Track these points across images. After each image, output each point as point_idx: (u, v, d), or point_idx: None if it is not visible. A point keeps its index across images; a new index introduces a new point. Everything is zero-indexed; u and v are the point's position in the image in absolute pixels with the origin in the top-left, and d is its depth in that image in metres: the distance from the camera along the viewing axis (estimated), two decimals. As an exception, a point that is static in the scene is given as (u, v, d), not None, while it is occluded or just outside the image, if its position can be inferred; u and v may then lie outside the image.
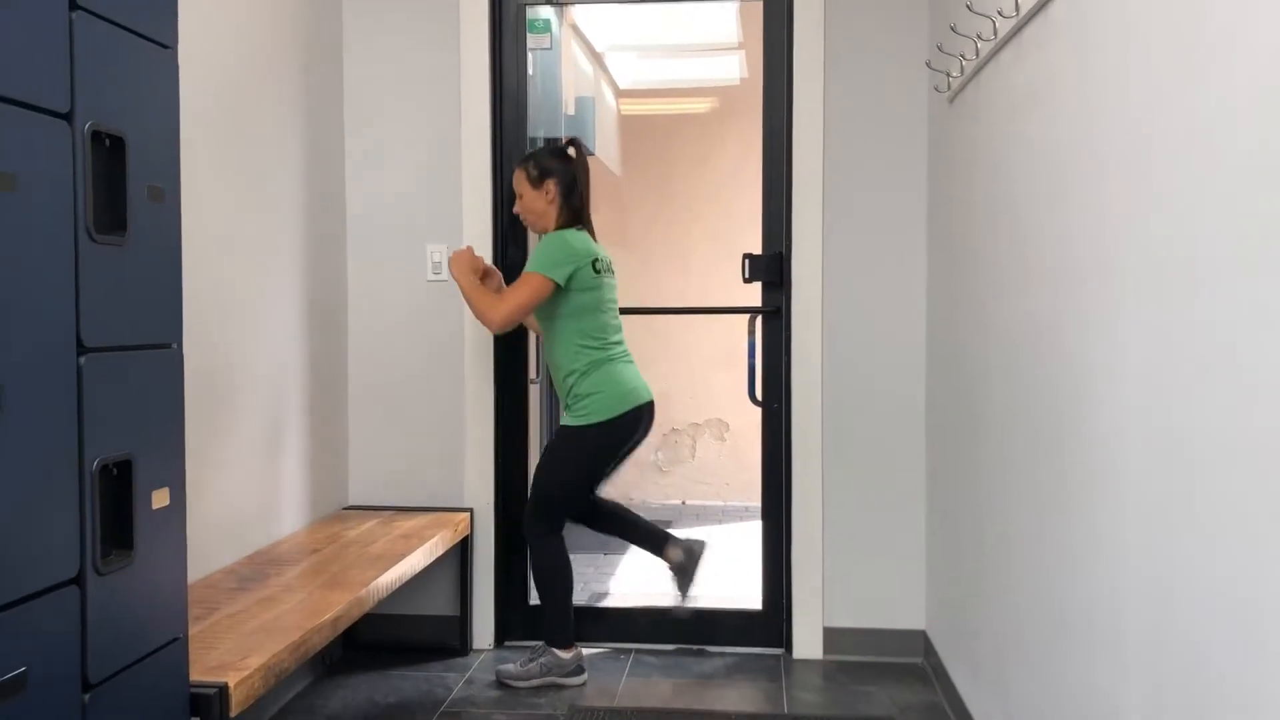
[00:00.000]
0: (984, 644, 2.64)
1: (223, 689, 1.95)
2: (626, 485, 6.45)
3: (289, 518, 3.19)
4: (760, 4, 3.55)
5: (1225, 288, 1.33)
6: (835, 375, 3.48)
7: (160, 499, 1.80)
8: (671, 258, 6.30)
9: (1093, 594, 1.81)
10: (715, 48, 5.88)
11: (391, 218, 3.59)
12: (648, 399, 3.24)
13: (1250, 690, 1.26)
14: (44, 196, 1.52)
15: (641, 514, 3.45)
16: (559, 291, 3.11)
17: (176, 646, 1.87)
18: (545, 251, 3.12)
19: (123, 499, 1.71)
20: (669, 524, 5.84)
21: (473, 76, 3.54)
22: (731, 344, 5.59)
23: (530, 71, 3.68)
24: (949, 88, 3.01)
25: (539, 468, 3.27)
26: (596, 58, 5.75)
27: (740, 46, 5.78)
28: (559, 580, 3.23)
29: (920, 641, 3.47)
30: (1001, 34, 2.37)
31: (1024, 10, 2.17)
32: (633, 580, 4.70)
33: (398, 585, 2.85)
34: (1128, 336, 1.66)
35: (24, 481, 1.48)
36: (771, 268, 3.53)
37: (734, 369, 5.23)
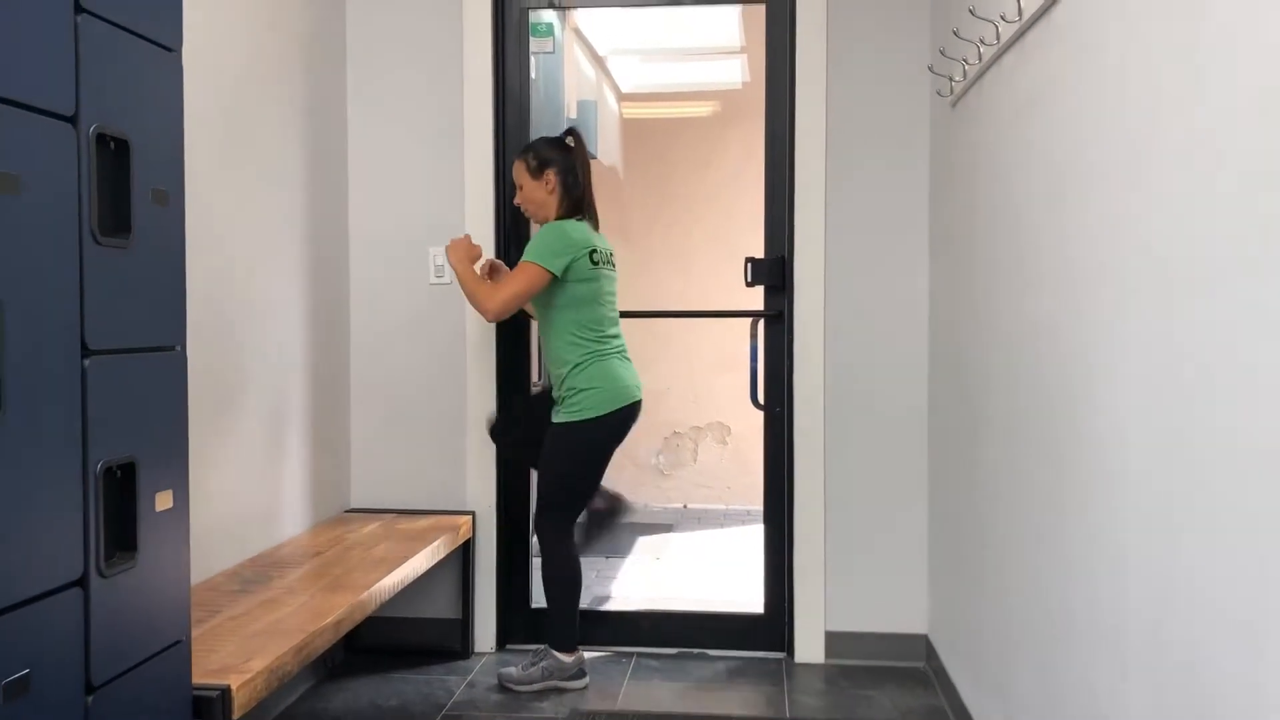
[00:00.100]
0: (986, 648, 2.64)
1: (225, 692, 1.95)
2: (628, 488, 6.45)
3: (291, 520, 3.19)
4: (763, 8, 3.55)
5: (1226, 290, 1.33)
6: (837, 379, 3.48)
7: (164, 501, 1.80)
8: (673, 261, 6.31)
9: (1094, 598, 1.81)
10: (717, 51, 5.89)
11: (394, 221, 3.60)
12: (639, 397, 3.24)
13: (1251, 693, 1.26)
14: (48, 199, 1.53)
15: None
16: (555, 282, 3.10)
17: (179, 649, 1.87)
18: (542, 241, 3.11)
19: (126, 501, 1.72)
20: (670, 527, 5.88)
21: (475, 80, 3.54)
22: (733, 347, 5.59)
23: (533, 75, 3.69)
24: (951, 92, 3.01)
25: (540, 470, 3.27)
26: (599, 61, 5.75)
27: (742, 50, 5.79)
28: (567, 584, 3.23)
29: (922, 646, 3.47)
30: (1004, 38, 2.37)
31: (1027, 15, 2.18)
32: (635, 584, 4.70)
33: (400, 588, 2.85)
34: (1129, 339, 1.66)
35: (28, 483, 1.48)
36: (774, 271, 3.53)
37: (736, 372, 5.22)
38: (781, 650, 3.57)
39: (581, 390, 3.13)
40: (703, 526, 5.91)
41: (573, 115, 5.22)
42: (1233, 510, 1.31)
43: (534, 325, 3.49)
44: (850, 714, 3.07)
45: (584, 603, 3.33)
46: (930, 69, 3.25)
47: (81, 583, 1.60)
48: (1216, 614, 1.36)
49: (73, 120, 1.58)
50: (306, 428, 3.29)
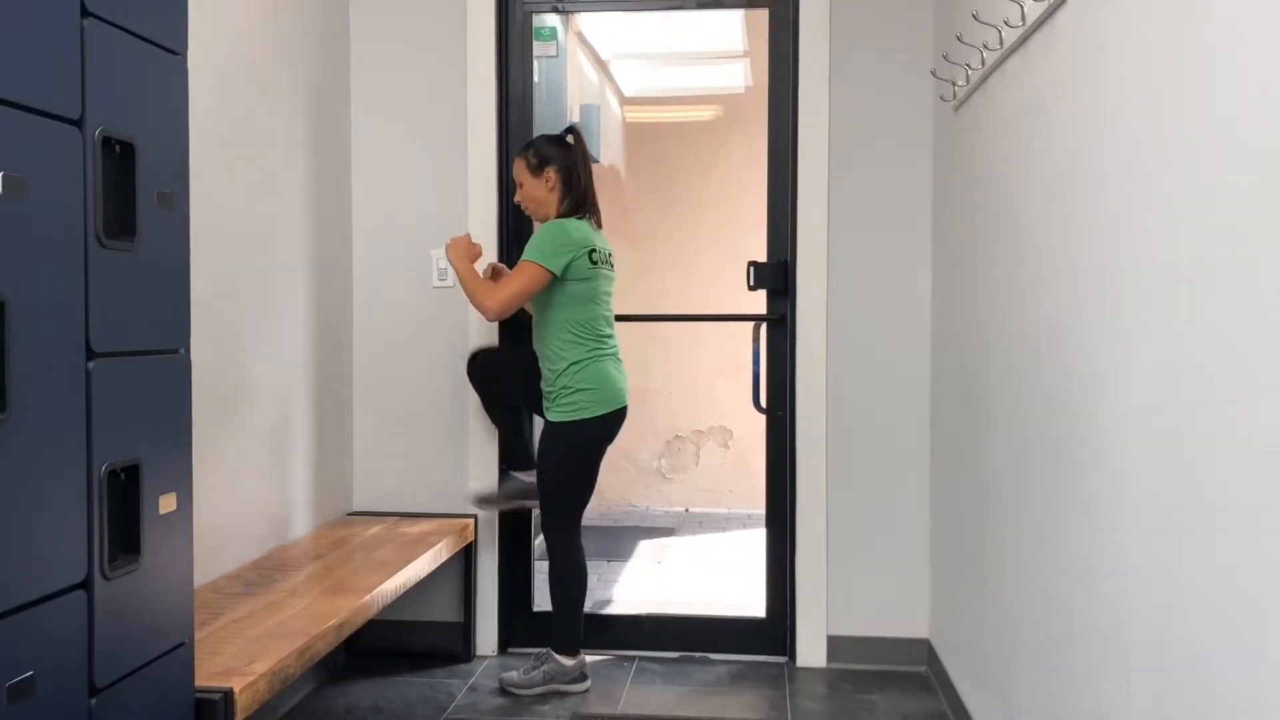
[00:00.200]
0: (987, 652, 2.64)
1: (228, 694, 1.95)
2: (630, 491, 6.46)
3: (294, 523, 3.19)
4: (765, 12, 3.56)
5: (1227, 292, 1.33)
6: (840, 382, 3.48)
7: (167, 504, 1.81)
8: (676, 264, 6.31)
9: (1095, 601, 1.81)
10: (720, 56, 5.90)
11: (397, 224, 3.60)
12: (627, 403, 3.25)
13: (1252, 695, 1.26)
14: (54, 201, 1.53)
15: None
16: (554, 280, 3.10)
17: (182, 651, 1.87)
18: (542, 240, 3.11)
19: (130, 504, 1.72)
20: (671, 531, 5.88)
21: (479, 83, 3.55)
22: (735, 351, 5.59)
23: (536, 79, 3.69)
24: (954, 96, 3.01)
25: (539, 472, 3.27)
26: (601, 65, 5.76)
27: (745, 55, 5.80)
28: (573, 587, 3.23)
29: (924, 650, 3.47)
30: (1008, 43, 2.37)
31: (1030, 20, 2.18)
32: (636, 587, 4.70)
33: (402, 591, 2.85)
34: (1130, 342, 1.66)
35: (33, 485, 1.49)
36: (776, 275, 3.53)
37: (738, 376, 5.22)
38: (783, 654, 3.57)
39: (578, 390, 3.13)
40: (704, 530, 5.91)
41: (575, 119, 5.22)
42: (1234, 512, 1.31)
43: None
44: (852, 718, 3.07)
45: (586, 606, 3.32)
46: (933, 73, 3.26)
47: (85, 585, 1.60)
48: (1218, 616, 1.36)
49: (78, 123, 1.59)
50: (309, 430, 3.29)
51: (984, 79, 2.67)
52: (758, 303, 3.61)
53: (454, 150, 3.58)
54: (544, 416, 3.23)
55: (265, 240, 3.00)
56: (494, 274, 3.28)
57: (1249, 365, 1.28)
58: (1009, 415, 2.44)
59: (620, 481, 6.43)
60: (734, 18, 5.23)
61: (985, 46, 2.55)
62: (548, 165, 3.18)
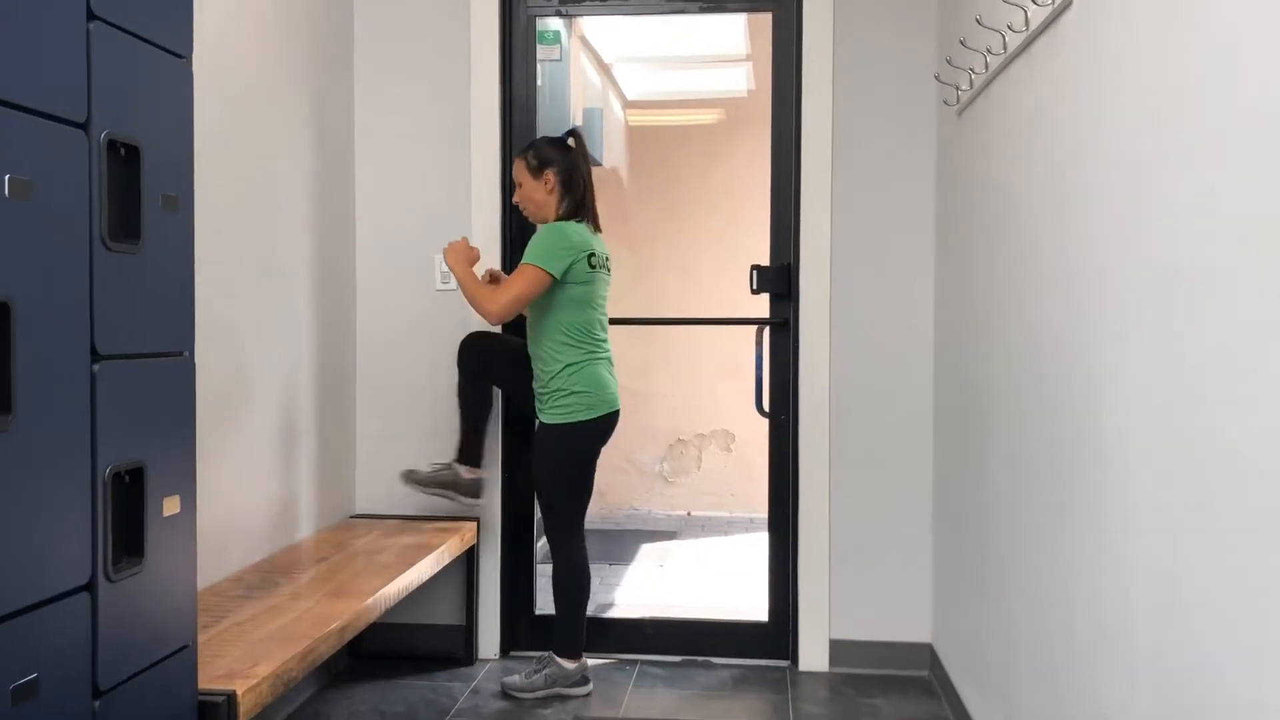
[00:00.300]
0: (989, 656, 2.64)
1: (231, 697, 1.95)
2: (631, 495, 6.45)
3: (296, 526, 3.19)
4: (769, 16, 3.56)
5: (1230, 295, 1.33)
6: (843, 386, 3.48)
7: (171, 506, 1.81)
8: (678, 268, 6.31)
9: (1100, 605, 1.81)
10: (722, 59, 5.90)
11: (400, 227, 3.60)
12: (619, 407, 3.25)
13: (1254, 699, 1.26)
14: (60, 204, 1.53)
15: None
16: (553, 283, 3.10)
17: (186, 654, 1.87)
18: (542, 243, 3.11)
19: (134, 506, 1.72)
20: (673, 535, 5.88)
21: (483, 87, 3.55)
22: (738, 355, 5.60)
23: (539, 82, 3.70)
24: (958, 101, 3.02)
25: (536, 476, 3.27)
26: (605, 68, 5.77)
27: (748, 58, 5.80)
28: (575, 590, 3.23)
29: (926, 654, 3.46)
30: (1011, 48, 2.37)
31: (1034, 25, 2.18)
32: (638, 591, 4.70)
33: (404, 594, 2.85)
34: (1132, 345, 1.66)
35: (37, 488, 1.49)
36: (779, 279, 3.54)
37: (740, 380, 5.23)
38: (785, 658, 3.57)
39: (573, 393, 3.13)
40: (707, 534, 5.91)
41: (579, 122, 5.23)
42: (1235, 514, 1.31)
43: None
44: (854, 722, 3.07)
45: (588, 610, 3.32)
46: (937, 78, 3.26)
47: (89, 587, 1.60)
48: (1219, 618, 1.36)
49: (84, 126, 1.59)
50: (312, 433, 3.29)
51: (987, 84, 2.67)
52: (760, 306, 3.61)
53: (457, 153, 3.58)
54: (536, 417, 3.23)
55: (269, 243, 3.01)
56: (491, 279, 3.27)
57: (1249, 367, 1.28)
58: (1011, 418, 2.44)
59: (622, 484, 6.42)
60: (737, 21, 5.24)
61: (989, 51, 2.55)
62: (548, 167, 3.18)
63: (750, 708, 3.21)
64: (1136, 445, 1.65)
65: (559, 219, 3.18)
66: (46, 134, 1.51)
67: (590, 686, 3.26)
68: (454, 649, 3.55)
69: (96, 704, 1.62)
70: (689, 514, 6.35)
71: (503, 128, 3.57)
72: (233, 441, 2.81)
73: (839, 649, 3.49)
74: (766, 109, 3.59)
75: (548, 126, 3.81)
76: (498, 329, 3.44)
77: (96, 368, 1.61)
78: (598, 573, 4.86)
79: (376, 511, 3.62)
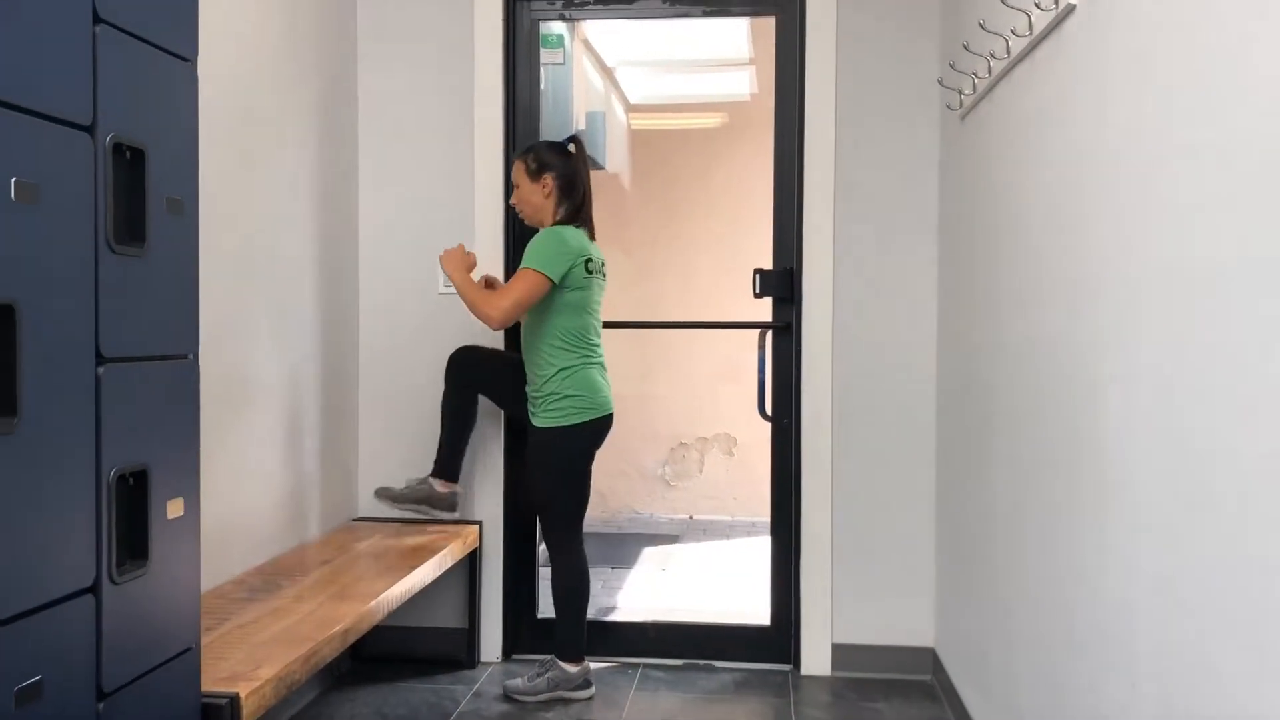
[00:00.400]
0: (992, 661, 2.64)
1: (234, 699, 1.96)
2: (634, 498, 6.45)
3: (299, 529, 3.20)
4: (772, 20, 3.57)
5: (1234, 299, 1.33)
6: (845, 390, 3.48)
7: (175, 509, 1.81)
8: (681, 272, 6.31)
9: (1104, 609, 1.81)
10: (725, 63, 5.91)
11: (404, 231, 3.61)
12: (613, 410, 3.25)
13: (1258, 703, 1.26)
14: (65, 207, 1.54)
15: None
16: (551, 288, 3.11)
17: (189, 656, 1.87)
18: (541, 247, 3.11)
19: (138, 509, 1.72)
20: (676, 538, 5.88)
21: (486, 90, 3.56)
22: (740, 358, 5.60)
23: (542, 86, 3.70)
24: (961, 105, 3.02)
25: (532, 483, 3.27)
26: (607, 72, 5.77)
27: (751, 62, 5.81)
28: (576, 594, 3.23)
29: (929, 658, 3.46)
30: (1015, 52, 2.38)
31: (1038, 29, 2.18)
32: (641, 595, 4.70)
33: (407, 597, 2.85)
34: (1136, 349, 1.67)
35: (42, 490, 1.49)
36: (782, 283, 3.54)
37: (742, 383, 5.23)
38: (788, 662, 3.57)
39: (566, 396, 3.13)
40: (709, 538, 5.90)
41: (581, 126, 5.23)
42: (1238, 516, 1.31)
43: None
44: (857, 727, 3.06)
45: (590, 613, 3.32)
46: (940, 82, 3.26)
47: (94, 590, 1.61)
48: (1221, 622, 1.36)
49: (90, 130, 1.59)
50: (315, 436, 3.29)
51: (991, 88, 2.67)
52: (763, 310, 3.61)
53: (460, 156, 3.58)
54: (528, 422, 3.23)
55: (272, 246, 3.01)
56: (486, 285, 3.27)
57: (1252, 370, 1.28)
58: (1013, 421, 2.44)
59: (624, 488, 6.42)
60: (740, 25, 5.24)
61: (992, 55, 2.55)
62: (546, 171, 3.19)
63: (752, 711, 3.21)
64: (1138, 448, 1.65)
65: (555, 224, 3.18)
66: (52, 137, 1.51)
67: (592, 690, 3.26)
68: (456, 652, 3.55)
69: (100, 706, 1.62)
70: (691, 518, 6.34)
71: (506, 131, 3.57)
72: (236, 444, 2.81)
73: (841, 653, 3.49)
74: (769, 113, 3.59)
75: (551, 130, 3.81)
76: (499, 334, 3.45)
77: (101, 370, 1.62)
78: (599, 576, 4.86)
79: (379, 514, 3.62)
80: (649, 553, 5.51)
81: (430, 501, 3.33)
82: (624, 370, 6.24)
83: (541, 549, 3.66)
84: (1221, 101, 1.39)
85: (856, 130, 3.45)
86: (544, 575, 3.62)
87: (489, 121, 3.56)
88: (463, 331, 3.54)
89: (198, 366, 1.89)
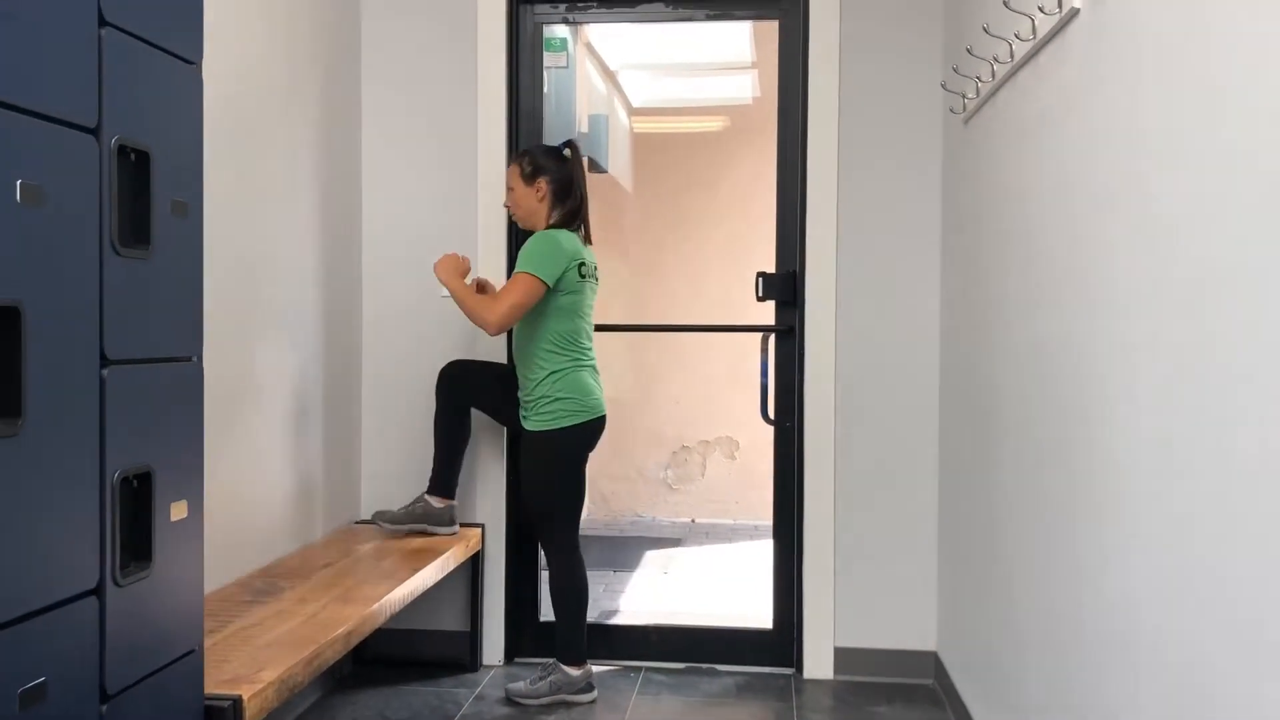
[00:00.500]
0: (995, 664, 2.64)
1: (237, 702, 1.96)
2: (636, 502, 6.45)
3: (301, 531, 3.20)
4: (775, 24, 3.57)
5: (1239, 303, 1.33)
6: (849, 393, 3.48)
7: (179, 511, 1.81)
8: (683, 275, 6.31)
9: (1105, 613, 1.80)
10: (728, 67, 5.91)
11: (407, 234, 3.61)
12: (605, 413, 3.25)
13: (1263, 705, 1.26)
14: (70, 209, 1.54)
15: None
16: (545, 291, 3.11)
17: (192, 658, 1.87)
18: (535, 251, 3.11)
19: (141, 511, 1.72)
20: (678, 542, 5.88)
21: (490, 94, 3.56)
22: (743, 361, 5.60)
23: (545, 89, 3.71)
24: (964, 109, 3.02)
25: (525, 487, 3.26)
26: (610, 76, 5.78)
27: (753, 66, 5.81)
28: (575, 597, 3.23)
29: (931, 662, 3.46)
30: (1018, 56, 2.38)
31: (1041, 33, 2.18)
32: (643, 598, 4.70)
33: (410, 600, 2.85)
34: (1141, 354, 1.66)
35: (47, 492, 1.49)
36: (785, 286, 3.54)
37: (745, 387, 5.23)
38: (790, 666, 3.56)
39: (557, 399, 3.14)
40: (711, 541, 5.90)
41: (584, 129, 5.24)
42: (1244, 520, 1.31)
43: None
44: (859, 730, 3.06)
45: (592, 616, 3.33)
46: (943, 85, 3.27)
47: (97, 592, 1.61)
48: (1229, 628, 1.35)
49: (95, 132, 1.60)
50: (317, 439, 3.29)
51: (994, 91, 2.67)
52: (766, 313, 3.61)
53: (464, 160, 3.58)
54: (520, 427, 3.23)
55: (276, 249, 3.01)
56: (479, 288, 3.27)
57: (1258, 374, 1.28)
58: (1018, 425, 2.44)
59: (626, 492, 6.42)
60: (742, 29, 5.24)
61: (995, 59, 2.55)
62: (540, 175, 3.19)
63: (754, 715, 3.20)
64: (1144, 452, 1.65)
65: (548, 227, 3.19)
66: (57, 139, 1.51)
67: (595, 693, 3.26)
68: (459, 655, 3.55)
69: (104, 708, 1.62)
70: (693, 521, 6.34)
71: (509, 134, 3.57)
72: (238, 446, 2.81)
73: (844, 657, 3.49)
74: (772, 116, 3.60)
75: (554, 133, 3.82)
76: (499, 339, 3.45)
77: (106, 372, 1.62)
78: (602, 579, 4.86)
79: (381, 517, 3.62)
80: (651, 556, 5.50)
81: (428, 519, 3.33)
82: (626, 373, 6.27)
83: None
84: (1226, 106, 1.39)
85: (859, 134, 3.46)
86: (546, 579, 3.62)
87: (492, 124, 3.56)
88: (466, 335, 3.54)
89: (201, 369, 1.90)
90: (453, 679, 3.44)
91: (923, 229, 3.46)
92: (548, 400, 3.14)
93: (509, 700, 3.23)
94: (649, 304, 6.18)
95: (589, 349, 3.24)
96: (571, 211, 3.22)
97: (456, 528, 3.38)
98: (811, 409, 3.48)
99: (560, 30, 3.79)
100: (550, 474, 3.20)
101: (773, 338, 3.57)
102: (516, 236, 3.59)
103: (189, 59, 1.84)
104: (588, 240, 3.28)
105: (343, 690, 3.34)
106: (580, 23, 3.72)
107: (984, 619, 2.77)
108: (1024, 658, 2.37)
